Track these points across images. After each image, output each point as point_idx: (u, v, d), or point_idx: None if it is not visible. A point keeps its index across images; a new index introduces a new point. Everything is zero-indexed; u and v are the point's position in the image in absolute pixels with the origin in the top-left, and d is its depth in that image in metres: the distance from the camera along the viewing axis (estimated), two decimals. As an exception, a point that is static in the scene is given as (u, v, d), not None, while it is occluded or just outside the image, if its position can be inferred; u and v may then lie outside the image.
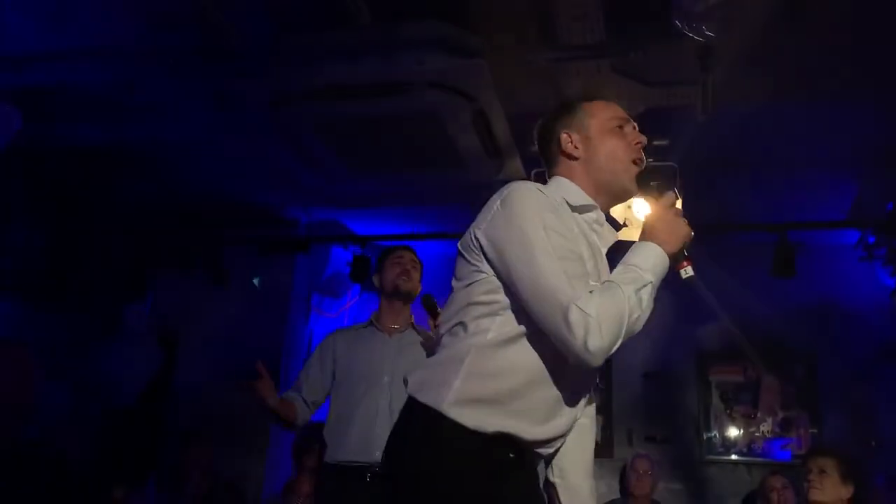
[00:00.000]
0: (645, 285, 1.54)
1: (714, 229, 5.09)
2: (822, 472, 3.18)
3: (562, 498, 1.80)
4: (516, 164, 4.47)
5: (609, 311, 1.47)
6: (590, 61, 3.48)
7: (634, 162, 1.81)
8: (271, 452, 5.40)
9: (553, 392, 1.60)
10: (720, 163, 4.26)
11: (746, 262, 5.07)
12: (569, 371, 1.59)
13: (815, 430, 5.35)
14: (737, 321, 5.20)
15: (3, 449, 2.66)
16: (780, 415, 5.51)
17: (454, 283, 1.72)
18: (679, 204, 1.75)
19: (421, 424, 1.58)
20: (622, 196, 1.84)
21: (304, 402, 3.11)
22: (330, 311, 6.30)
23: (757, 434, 5.50)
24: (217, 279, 5.56)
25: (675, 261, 1.66)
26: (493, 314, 1.61)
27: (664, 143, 4.01)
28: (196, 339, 5.76)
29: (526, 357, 1.58)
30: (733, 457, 5.49)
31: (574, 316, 1.46)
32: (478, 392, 1.55)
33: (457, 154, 4.35)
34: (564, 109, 1.89)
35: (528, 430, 1.58)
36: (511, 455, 1.57)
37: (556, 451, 1.75)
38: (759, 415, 5.54)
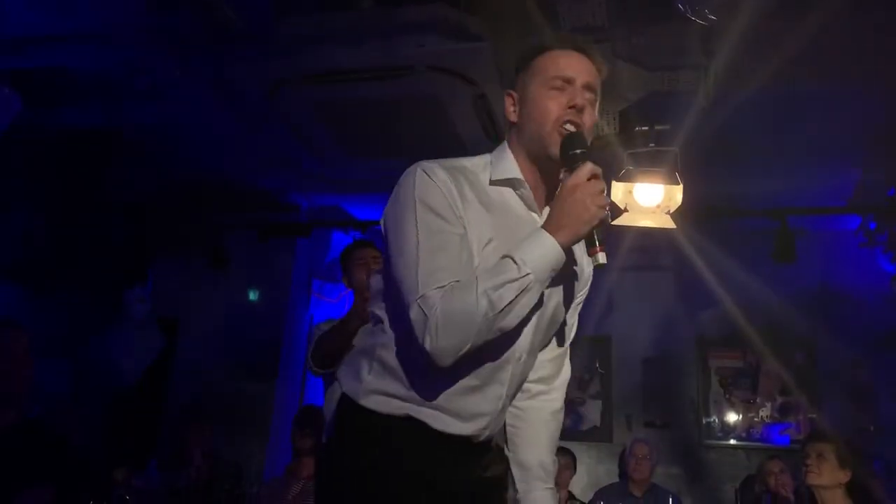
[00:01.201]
0: (511, 281, 1.40)
1: (715, 214, 5.08)
2: (819, 456, 3.19)
3: (513, 471, 1.77)
4: (517, 148, 4.46)
5: (451, 312, 1.39)
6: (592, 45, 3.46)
7: (563, 125, 1.56)
8: (272, 435, 5.43)
9: (459, 387, 1.54)
10: (721, 148, 4.24)
11: (747, 247, 5.07)
12: (473, 367, 1.53)
13: (814, 416, 5.37)
14: (737, 306, 5.22)
15: (5, 429, 2.67)
16: (779, 400, 5.53)
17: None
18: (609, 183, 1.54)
19: (344, 410, 1.63)
20: (549, 166, 1.59)
21: None
22: (331, 296, 6.31)
23: (756, 419, 5.52)
24: (217, 263, 5.57)
25: (588, 245, 1.48)
26: (394, 308, 1.58)
27: (665, 127, 4.01)
28: (197, 322, 5.78)
29: (424, 354, 1.47)
30: (732, 441, 5.52)
31: (414, 313, 1.42)
32: (383, 386, 1.57)
33: (457, 138, 4.34)
34: (517, 66, 1.69)
35: (438, 422, 1.54)
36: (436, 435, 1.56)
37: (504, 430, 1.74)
38: (758, 400, 5.56)
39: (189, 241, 5.76)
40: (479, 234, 1.51)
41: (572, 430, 5.67)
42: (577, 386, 5.79)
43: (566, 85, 1.59)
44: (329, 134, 4.54)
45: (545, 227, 1.47)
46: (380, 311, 1.64)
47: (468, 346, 1.41)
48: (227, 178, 5.31)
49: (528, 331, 1.59)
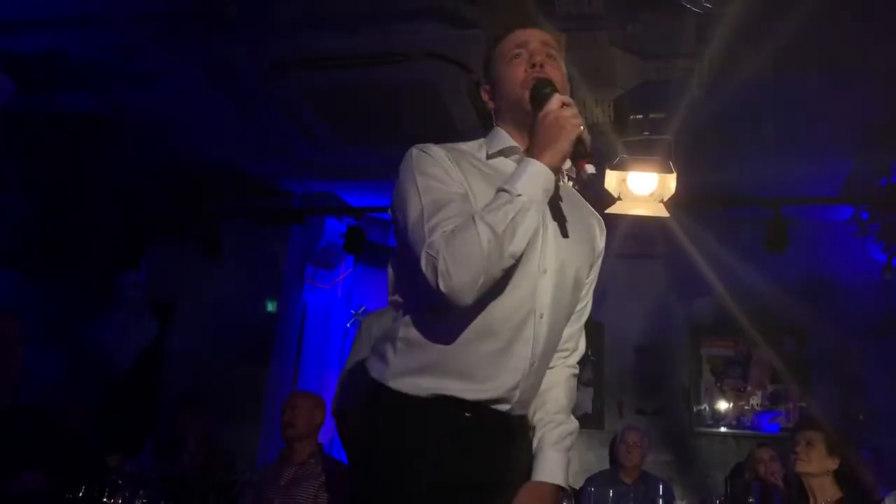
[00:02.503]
0: (505, 204, 1.46)
1: (708, 203, 5.10)
2: (809, 444, 3.22)
3: (532, 439, 1.76)
4: (512, 135, 4.46)
5: (456, 246, 1.43)
6: (586, 33, 3.46)
7: (528, 80, 1.66)
8: (266, 421, 5.44)
9: (485, 350, 1.57)
10: (715, 137, 4.25)
11: (740, 236, 5.09)
12: (495, 326, 1.57)
13: (804, 404, 5.41)
14: (729, 295, 5.24)
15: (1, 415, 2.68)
16: (770, 388, 5.57)
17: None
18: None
19: (373, 396, 1.65)
20: (529, 121, 1.63)
21: None
22: (324, 283, 6.32)
23: (746, 407, 5.56)
24: (211, 249, 5.56)
25: (575, 160, 1.55)
26: (411, 285, 1.62)
27: (660, 116, 4.01)
28: (191, 308, 5.77)
29: (447, 321, 1.56)
30: (722, 429, 5.55)
31: (423, 262, 1.46)
32: (411, 363, 1.59)
33: (452, 125, 4.34)
34: (483, 66, 1.83)
35: (468, 391, 1.56)
36: (467, 415, 1.57)
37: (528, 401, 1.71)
38: (748, 388, 5.59)
39: (183, 226, 5.74)
40: (481, 200, 1.56)
41: (564, 416, 5.70)
42: (570, 373, 5.81)
43: (523, 51, 1.71)
44: (324, 120, 4.53)
45: (528, 155, 1.55)
46: (397, 296, 1.69)
47: (483, 278, 1.44)
48: (222, 164, 5.29)
49: (546, 286, 1.62)
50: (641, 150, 4.00)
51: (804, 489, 3.26)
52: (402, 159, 1.65)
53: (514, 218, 1.45)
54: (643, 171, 4.06)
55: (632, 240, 5.25)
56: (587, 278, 1.82)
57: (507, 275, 1.52)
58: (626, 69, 3.71)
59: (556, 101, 1.55)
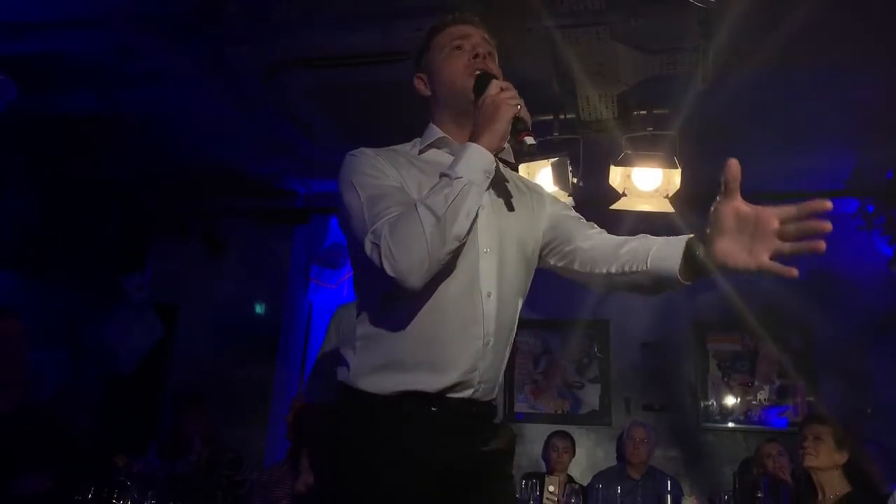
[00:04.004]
0: (444, 188, 1.50)
1: (713, 198, 5.07)
2: (817, 439, 3.21)
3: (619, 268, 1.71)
4: (514, 132, 4.44)
5: (399, 230, 1.47)
6: (590, 28, 3.44)
7: (473, 71, 1.71)
8: (272, 421, 5.45)
9: (438, 336, 1.58)
10: (719, 131, 4.23)
11: (745, 231, 5.06)
12: (444, 311, 1.58)
13: (812, 399, 5.39)
14: (735, 290, 5.22)
15: (3, 416, 2.68)
16: (777, 383, 5.55)
17: None
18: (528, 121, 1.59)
19: (340, 398, 1.65)
20: (470, 109, 1.67)
21: None
22: (329, 282, 6.31)
23: (754, 402, 5.54)
24: (215, 250, 5.56)
25: (514, 135, 1.59)
26: (365, 283, 1.66)
27: (664, 111, 3.99)
28: (195, 309, 5.78)
29: (399, 313, 1.58)
30: (730, 424, 5.54)
31: (368, 249, 1.50)
32: (371, 360, 1.60)
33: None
34: (418, 54, 1.88)
35: (429, 381, 1.56)
36: (433, 409, 1.57)
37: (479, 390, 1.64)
38: (756, 383, 5.57)
39: (186, 227, 5.75)
40: (416, 191, 1.61)
41: (571, 413, 5.70)
42: (576, 370, 5.82)
43: (464, 43, 1.77)
44: (326, 118, 4.52)
45: (469, 140, 1.58)
46: (357, 293, 1.73)
47: (428, 261, 1.47)
48: (224, 163, 5.29)
49: (489, 265, 1.64)
50: (646, 146, 3.99)
51: (812, 484, 3.25)
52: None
53: (454, 200, 1.49)
54: (648, 166, 4.05)
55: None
56: (538, 246, 1.81)
57: (450, 259, 1.54)
58: (630, 64, 3.69)
59: (493, 86, 1.60)
